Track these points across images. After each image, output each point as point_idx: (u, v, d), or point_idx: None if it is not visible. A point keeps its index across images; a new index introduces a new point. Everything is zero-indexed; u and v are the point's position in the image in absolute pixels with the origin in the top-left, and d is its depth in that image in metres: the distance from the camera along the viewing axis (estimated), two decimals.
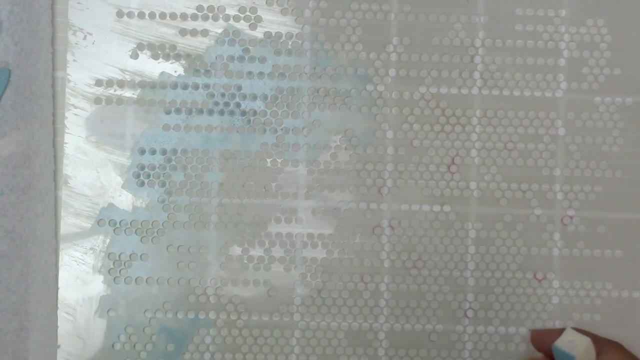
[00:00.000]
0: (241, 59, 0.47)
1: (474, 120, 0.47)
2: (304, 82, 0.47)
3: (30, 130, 0.45)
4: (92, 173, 0.46)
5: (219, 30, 0.47)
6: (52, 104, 0.46)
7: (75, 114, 0.46)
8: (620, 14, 0.47)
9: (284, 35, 0.47)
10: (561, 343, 0.41)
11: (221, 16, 0.47)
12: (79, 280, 0.46)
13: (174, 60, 0.47)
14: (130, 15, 0.47)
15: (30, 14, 0.46)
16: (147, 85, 0.46)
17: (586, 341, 0.41)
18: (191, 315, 0.46)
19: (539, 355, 0.45)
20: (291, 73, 0.47)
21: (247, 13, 0.47)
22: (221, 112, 0.47)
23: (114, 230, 0.46)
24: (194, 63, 0.47)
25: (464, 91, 0.47)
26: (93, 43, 0.46)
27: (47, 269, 0.45)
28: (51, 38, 0.46)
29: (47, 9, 0.46)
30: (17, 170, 0.45)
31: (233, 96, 0.47)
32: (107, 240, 0.46)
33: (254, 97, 0.47)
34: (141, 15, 0.47)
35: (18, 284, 0.45)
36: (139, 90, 0.46)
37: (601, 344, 0.42)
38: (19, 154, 0.45)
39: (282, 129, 0.47)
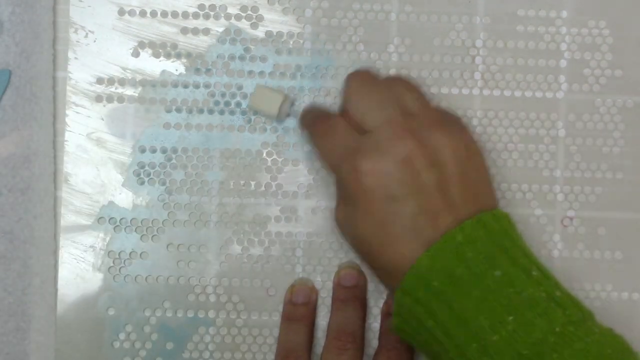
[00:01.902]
0: (242, 58, 0.47)
1: (475, 121, 0.47)
2: (305, 82, 0.47)
3: (30, 131, 0.45)
4: (93, 171, 0.46)
5: (221, 29, 0.47)
6: (52, 105, 0.46)
7: (76, 112, 0.46)
8: (622, 16, 0.47)
9: (285, 34, 0.47)
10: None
11: (222, 15, 0.47)
12: (79, 278, 0.46)
13: (175, 59, 0.47)
14: (131, 13, 0.47)
15: (31, 15, 0.46)
16: (148, 83, 0.46)
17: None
18: (191, 314, 0.46)
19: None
20: (292, 72, 0.47)
21: (249, 12, 0.47)
22: (222, 111, 0.47)
23: (114, 228, 0.46)
24: (195, 62, 0.47)
25: (465, 92, 0.47)
26: (94, 41, 0.46)
27: (45, 270, 0.45)
28: (53, 39, 0.46)
29: (49, 10, 0.46)
30: (16, 171, 0.45)
31: (234, 95, 0.47)
32: (107, 238, 0.46)
33: None
34: (142, 13, 0.47)
35: (15, 285, 0.45)
36: (140, 89, 0.46)
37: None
38: (18, 154, 0.45)
39: (282, 128, 0.47)
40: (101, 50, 0.46)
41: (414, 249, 0.39)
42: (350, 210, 0.41)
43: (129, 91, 0.46)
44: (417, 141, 0.40)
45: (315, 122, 0.44)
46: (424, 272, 0.38)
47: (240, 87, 0.47)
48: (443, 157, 0.40)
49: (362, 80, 0.43)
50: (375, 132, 0.40)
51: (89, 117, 0.46)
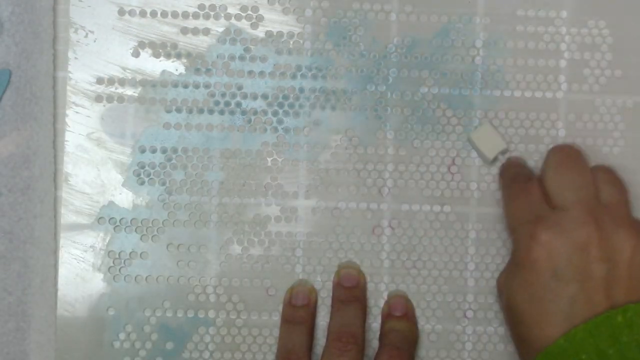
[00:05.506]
0: (242, 58, 0.47)
1: (475, 121, 0.47)
2: (305, 82, 0.47)
3: (30, 131, 0.45)
4: (93, 171, 0.46)
5: (221, 29, 0.47)
6: (52, 105, 0.46)
7: (76, 112, 0.46)
8: (621, 15, 0.47)
9: (285, 34, 0.47)
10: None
11: (223, 15, 0.47)
12: (79, 278, 0.46)
13: (175, 59, 0.47)
14: (131, 13, 0.47)
15: (31, 15, 0.46)
16: (148, 83, 0.47)
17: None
18: (191, 314, 0.46)
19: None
20: (292, 72, 0.47)
21: (249, 12, 0.47)
22: (222, 111, 0.47)
23: (114, 228, 0.46)
24: (195, 62, 0.47)
25: (465, 92, 0.47)
26: (94, 41, 0.46)
27: (45, 270, 0.45)
28: (52, 39, 0.46)
29: (49, 10, 0.46)
30: (16, 171, 0.45)
31: (234, 95, 0.47)
32: (107, 238, 0.46)
33: (255, 97, 0.47)
34: (142, 13, 0.47)
35: (15, 285, 0.45)
36: (140, 89, 0.46)
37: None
38: (18, 154, 0.45)
39: (282, 128, 0.47)
40: (101, 50, 0.46)
41: (564, 331, 0.39)
42: (512, 277, 0.42)
43: (129, 91, 0.46)
44: (599, 232, 0.40)
45: (514, 179, 0.44)
46: (575, 343, 0.39)
47: (240, 87, 0.47)
48: (620, 256, 0.40)
49: (565, 155, 0.43)
50: (564, 210, 0.41)
51: (89, 117, 0.46)
